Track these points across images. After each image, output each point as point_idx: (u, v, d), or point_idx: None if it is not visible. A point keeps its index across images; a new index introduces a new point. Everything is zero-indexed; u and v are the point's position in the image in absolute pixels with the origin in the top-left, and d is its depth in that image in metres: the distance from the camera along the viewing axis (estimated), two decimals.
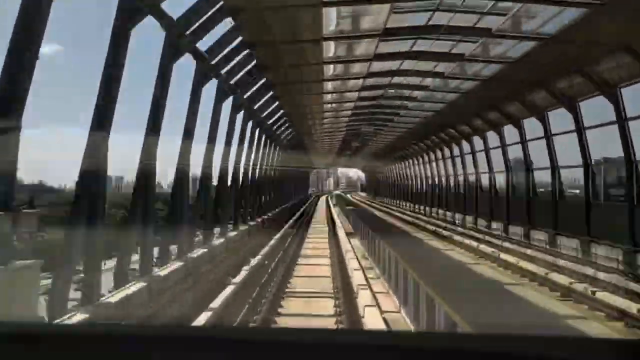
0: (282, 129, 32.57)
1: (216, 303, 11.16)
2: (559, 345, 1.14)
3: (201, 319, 9.89)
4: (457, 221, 33.59)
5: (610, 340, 1.29)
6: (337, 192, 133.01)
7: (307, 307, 12.47)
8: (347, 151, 56.10)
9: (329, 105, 28.39)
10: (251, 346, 1.17)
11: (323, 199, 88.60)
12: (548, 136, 20.90)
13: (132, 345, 1.17)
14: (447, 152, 37.34)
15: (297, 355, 1.13)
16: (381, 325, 8.95)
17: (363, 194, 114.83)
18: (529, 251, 19.69)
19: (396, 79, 21.36)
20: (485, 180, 29.87)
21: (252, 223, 25.59)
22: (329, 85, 22.60)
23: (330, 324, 10.85)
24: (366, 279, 13.21)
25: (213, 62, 14.29)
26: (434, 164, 41.91)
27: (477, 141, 29.99)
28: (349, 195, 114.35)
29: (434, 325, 7.26)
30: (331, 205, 60.36)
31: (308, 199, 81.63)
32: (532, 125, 22.20)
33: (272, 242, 23.86)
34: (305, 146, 48.29)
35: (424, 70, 19.75)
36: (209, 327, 7.25)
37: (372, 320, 9.36)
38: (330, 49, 16.64)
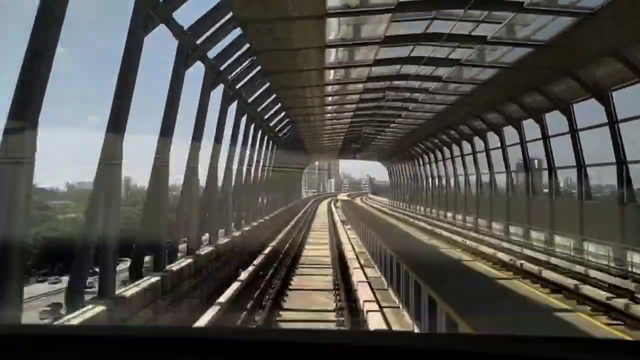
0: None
1: None
2: (559, 347, 1.15)
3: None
4: None
5: (611, 340, 1.11)
6: (343, 196, 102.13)
7: None
8: (359, 140, 41.32)
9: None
10: (251, 347, 1.18)
11: (323, 209, 61.80)
12: None
13: (132, 347, 1.19)
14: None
15: (296, 355, 1.14)
16: None
17: (385, 200, 78.84)
18: None
19: None
20: None
21: None
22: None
23: None
24: None
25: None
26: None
27: None
28: (359, 200, 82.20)
29: None
30: (343, 239, 25.31)
31: (296, 212, 50.21)
32: None
33: None
34: (297, 130, 34.19)
35: None
36: (209, 328, 7.13)
37: None
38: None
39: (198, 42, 12.34)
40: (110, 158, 9.61)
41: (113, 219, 9.75)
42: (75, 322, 7.83)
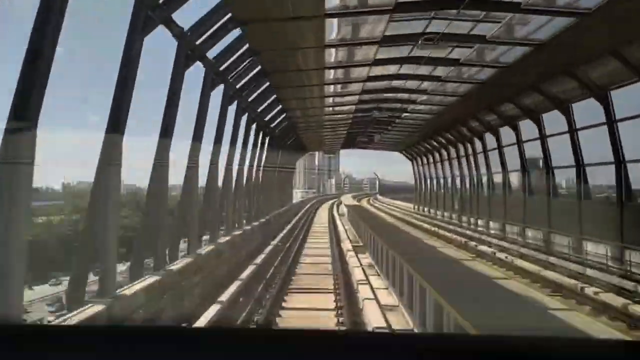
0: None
1: None
2: (559, 347, 1.15)
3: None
4: None
5: (611, 340, 1.21)
6: (348, 197, 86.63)
7: None
8: (376, 120, 30.52)
9: None
10: (251, 346, 1.18)
11: (322, 218, 44.68)
12: None
13: (132, 346, 1.19)
14: None
15: (297, 355, 1.14)
16: None
17: (405, 205, 58.50)
18: None
19: None
20: None
21: None
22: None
23: None
24: None
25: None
26: None
27: None
28: (366, 203, 67.13)
29: None
30: None
31: (283, 226, 33.08)
32: None
33: None
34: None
35: None
36: (210, 327, 7.10)
37: None
38: None
39: (198, 42, 12.39)
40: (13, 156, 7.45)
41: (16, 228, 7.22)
42: None
